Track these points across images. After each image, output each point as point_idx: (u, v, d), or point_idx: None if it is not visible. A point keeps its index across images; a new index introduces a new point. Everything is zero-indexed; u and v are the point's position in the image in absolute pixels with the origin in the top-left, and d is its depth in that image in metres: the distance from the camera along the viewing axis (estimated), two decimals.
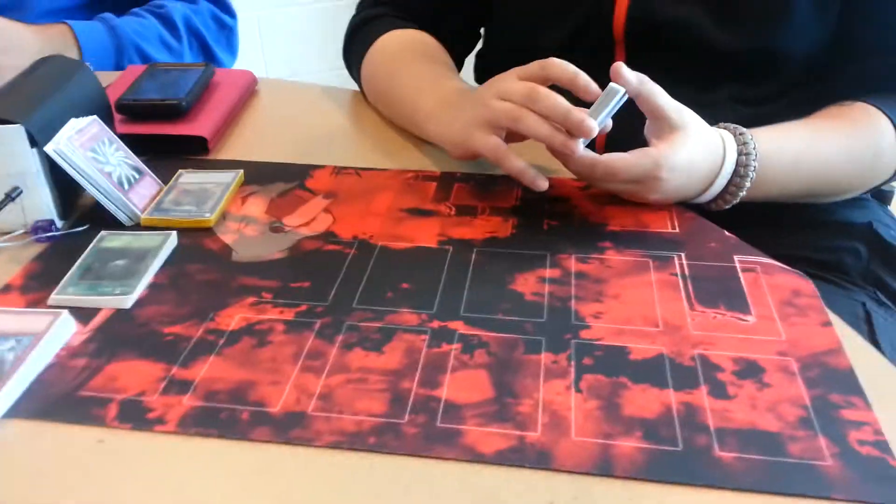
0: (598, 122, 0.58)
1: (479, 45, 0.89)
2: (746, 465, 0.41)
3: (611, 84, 0.58)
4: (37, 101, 0.61)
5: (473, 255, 0.59)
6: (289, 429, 0.44)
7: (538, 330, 0.51)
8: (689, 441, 0.43)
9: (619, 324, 0.51)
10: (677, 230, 0.61)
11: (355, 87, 0.86)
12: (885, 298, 0.72)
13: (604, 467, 0.41)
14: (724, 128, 0.64)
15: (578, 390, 0.46)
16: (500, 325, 0.51)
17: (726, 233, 0.61)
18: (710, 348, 0.49)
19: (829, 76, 0.71)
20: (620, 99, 0.58)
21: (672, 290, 0.55)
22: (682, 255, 0.58)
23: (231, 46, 1.15)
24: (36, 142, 0.59)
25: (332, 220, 0.64)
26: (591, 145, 0.60)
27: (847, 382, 0.46)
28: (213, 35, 1.10)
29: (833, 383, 0.46)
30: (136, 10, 1.04)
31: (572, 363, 0.48)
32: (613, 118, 0.60)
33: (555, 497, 0.40)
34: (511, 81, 0.61)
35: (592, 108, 0.58)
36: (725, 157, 0.61)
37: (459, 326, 0.51)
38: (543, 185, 0.60)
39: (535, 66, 0.60)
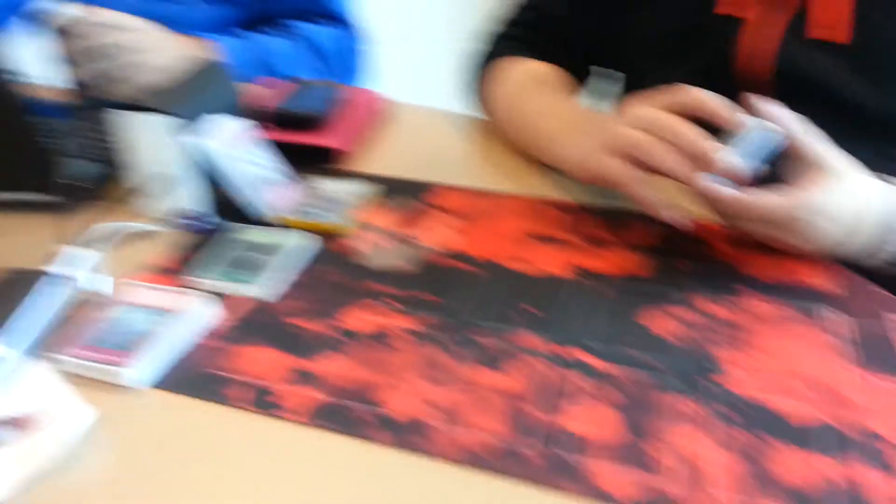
0: (730, 153, 0.54)
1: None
2: None
3: (751, 118, 0.55)
4: (193, 102, 0.65)
5: (603, 288, 0.57)
6: (409, 435, 0.43)
7: (669, 371, 0.48)
8: None
9: (761, 377, 0.48)
10: (830, 286, 0.57)
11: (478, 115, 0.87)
12: None
13: None
14: (878, 176, 0.59)
15: (717, 439, 0.43)
16: (630, 362, 0.49)
17: (878, 288, 0.57)
18: (873, 418, 0.45)
19: None
20: (768, 137, 0.55)
21: (822, 348, 0.51)
22: (832, 307, 0.54)
23: (366, 75, 1.18)
24: (190, 135, 0.62)
25: (463, 240, 0.64)
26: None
27: None
28: (351, 63, 1.14)
29: None
30: (280, 29, 1.09)
31: (709, 409, 0.45)
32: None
33: None
34: (643, 108, 0.58)
35: (732, 141, 0.55)
36: (875, 208, 0.56)
37: (586, 359, 0.50)
38: (675, 217, 0.57)
39: (666, 94, 0.58)
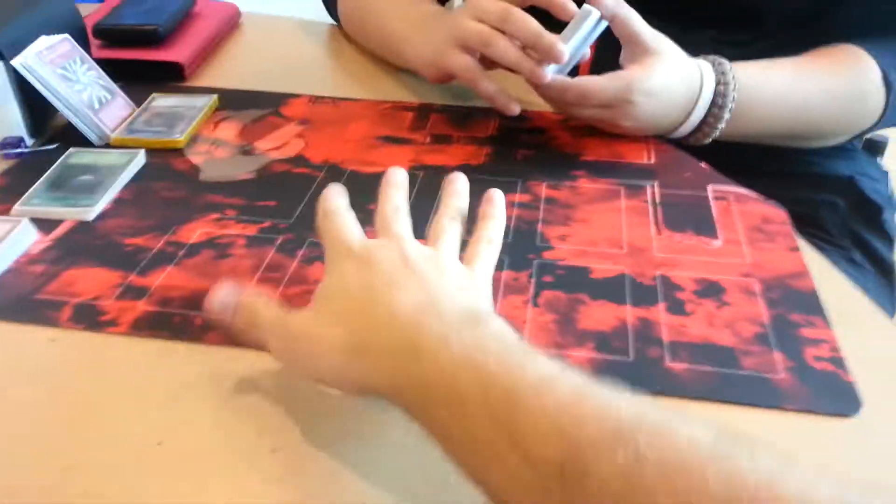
0: (570, 46, 0.56)
1: None
2: (697, 375, 0.41)
3: (584, 6, 0.57)
4: (7, 16, 0.60)
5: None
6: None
7: (502, 250, 0.50)
8: (641, 352, 0.42)
9: (583, 245, 0.51)
10: (653, 161, 0.61)
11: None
12: (860, 257, 0.71)
13: None
14: (704, 58, 0.62)
15: (536, 305, 0.46)
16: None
17: (703, 164, 0.60)
18: (672, 269, 0.49)
19: (814, 21, 0.69)
20: (596, 24, 0.57)
21: (641, 216, 0.54)
22: (655, 183, 0.58)
23: None
24: (3, 56, 0.58)
25: (304, 146, 0.63)
26: (573, 75, 0.59)
27: (809, 303, 0.46)
28: None
29: (795, 304, 0.46)
30: None
31: (532, 280, 0.48)
32: (602, 51, 0.58)
33: None
34: (488, 1, 0.59)
35: (564, 31, 0.57)
36: (703, 87, 0.60)
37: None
38: (515, 109, 0.59)
39: None
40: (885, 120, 0.67)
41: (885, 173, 0.79)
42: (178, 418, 0.38)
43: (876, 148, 0.86)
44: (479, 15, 0.59)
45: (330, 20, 0.86)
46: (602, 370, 0.41)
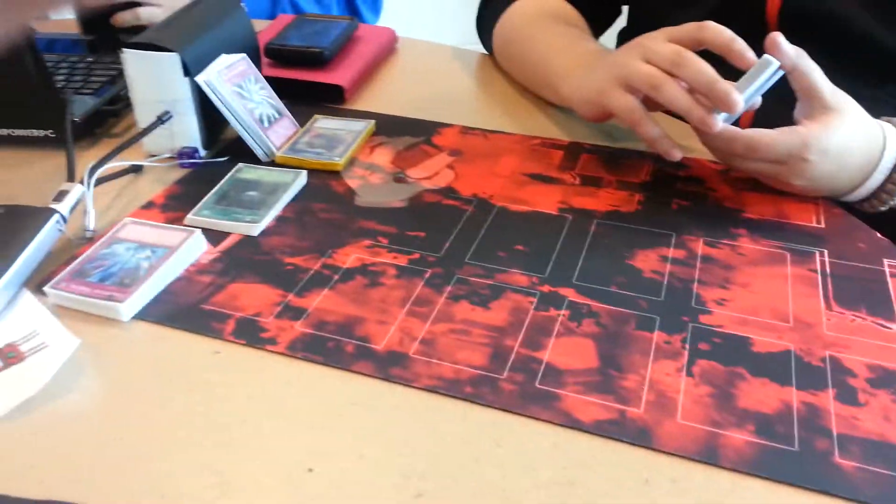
0: (745, 96, 0.54)
1: (623, 24, 0.86)
2: (869, 476, 0.37)
3: (764, 56, 0.54)
4: (193, 34, 0.64)
5: (593, 226, 0.57)
6: (390, 366, 0.44)
7: (653, 308, 0.49)
8: (807, 442, 0.39)
9: (744, 313, 0.48)
10: (822, 225, 0.57)
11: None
12: None
13: (708, 455, 0.39)
14: (888, 120, 0.58)
15: (690, 374, 0.44)
16: (612, 298, 0.50)
17: (877, 234, 0.56)
18: (843, 351, 0.45)
19: None
20: (773, 74, 0.54)
21: (808, 287, 0.51)
22: (825, 251, 0.54)
23: (376, 7, 1.17)
24: (189, 71, 0.62)
25: (455, 177, 0.64)
26: (736, 124, 0.57)
27: None
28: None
29: None
30: None
31: (687, 346, 0.46)
32: (764, 97, 0.56)
33: (651, 475, 0.38)
34: (658, 42, 0.57)
35: (741, 80, 0.54)
36: (885, 150, 0.56)
37: (570, 294, 0.50)
38: (678, 155, 0.57)
39: (689, 27, 0.56)
40: None
41: None
42: (327, 446, 0.39)
43: None
44: (649, 56, 0.57)
45: (482, 49, 0.87)
46: (763, 458, 0.39)
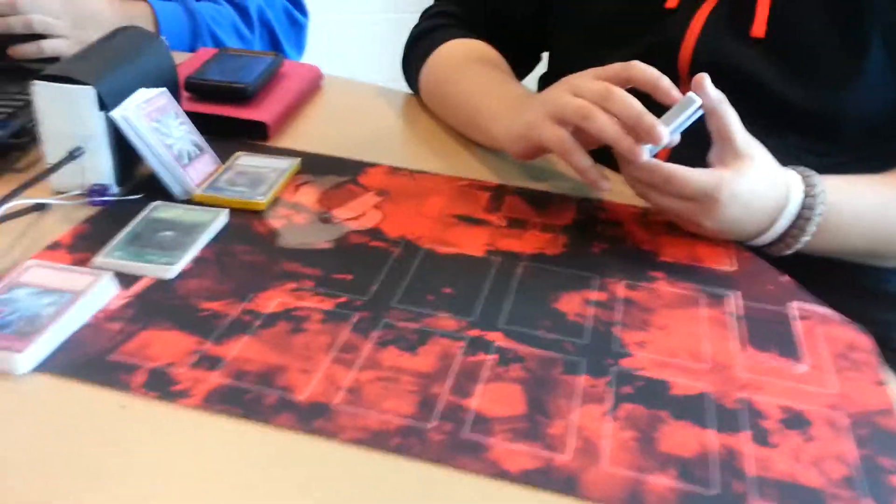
0: (669, 130, 0.56)
1: (543, 69, 0.88)
2: None
3: (688, 94, 0.56)
4: (110, 67, 0.62)
5: (520, 269, 0.58)
6: (313, 419, 0.43)
7: (579, 351, 0.49)
8: (726, 485, 0.40)
9: (663, 356, 0.50)
10: (734, 268, 0.59)
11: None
12: None
13: (633, 501, 0.39)
14: (794, 169, 0.61)
15: (615, 418, 0.44)
16: (539, 342, 0.50)
17: (785, 277, 0.59)
18: (756, 393, 0.47)
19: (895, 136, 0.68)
20: (695, 112, 0.57)
21: (722, 329, 0.52)
22: (738, 294, 0.56)
23: (300, 43, 1.16)
24: (105, 105, 0.59)
25: (382, 218, 0.63)
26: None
27: None
28: (284, 30, 1.12)
29: (883, 445, 0.43)
30: None
31: (611, 389, 0.46)
32: (683, 137, 0.58)
33: None
34: (587, 79, 0.59)
35: (665, 116, 0.57)
36: (790, 198, 0.59)
37: (498, 338, 0.50)
38: (606, 185, 0.58)
39: (616, 66, 0.59)
40: None
41: None
42: None
43: None
44: (579, 91, 0.59)
45: (406, 90, 0.87)
46: (685, 502, 0.39)
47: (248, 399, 0.44)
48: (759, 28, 0.67)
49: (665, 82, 0.57)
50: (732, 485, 0.40)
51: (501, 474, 0.40)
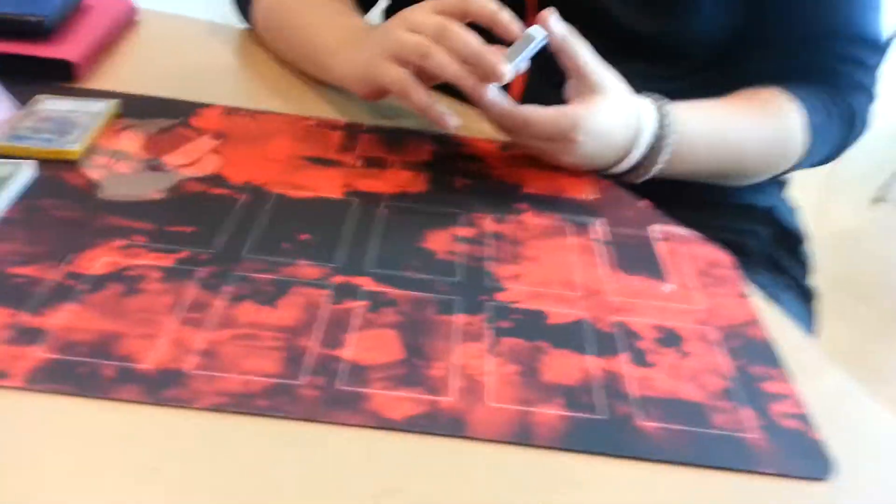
0: (512, 66, 0.54)
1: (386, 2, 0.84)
2: (670, 435, 0.39)
3: (533, 27, 0.55)
4: None
5: (382, 210, 0.54)
6: (162, 388, 0.37)
7: (452, 290, 0.47)
8: (612, 409, 0.40)
9: (537, 286, 0.48)
10: (596, 196, 0.59)
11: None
12: (782, 284, 0.73)
13: (522, 435, 0.38)
14: (647, 96, 0.62)
15: (496, 354, 0.42)
16: (410, 284, 0.47)
17: (643, 202, 0.59)
18: (629, 315, 0.47)
19: (738, 61, 0.71)
20: (539, 43, 0.55)
21: (590, 255, 0.52)
22: (602, 220, 0.56)
23: None
24: None
25: (222, 163, 0.57)
26: (507, 91, 0.57)
27: (766, 354, 0.45)
28: None
29: (753, 355, 0.45)
30: None
31: (489, 325, 0.44)
32: (536, 73, 0.56)
33: (470, 467, 0.36)
34: (424, 14, 0.56)
35: (509, 51, 0.55)
36: (643, 129, 0.59)
37: (366, 282, 0.46)
38: (452, 122, 0.56)
39: (453, 0, 0.56)
40: (801, 163, 0.70)
41: (796, 208, 0.82)
42: (93, 498, 0.31)
43: (783, 182, 0.90)
44: (414, 27, 0.55)
45: (237, 24, 0.79)
46: (574, 430, 0.38)
47: (82, 373, 0.37)
48: None
49: (504, 16, 0.55)
50: (617, 407, 0.40)
51: (384, 423, 0.37)
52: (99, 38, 0.69)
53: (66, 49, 0.65)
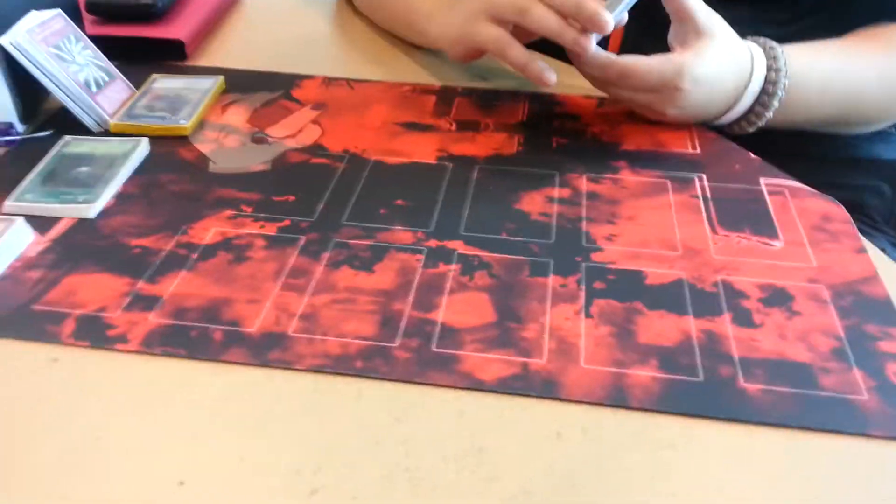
0: (615, 15, 0.52)
1: None
2: (774, 398, 0.37)
3: None
4: None
5: (475, 173, 0.54)
6: (267, 350, 0.39)
7: (545, 251, 0.46)
8: (711, 371, 0.38)
9: (634, 246, 0.47)
10: (698, 151, 0.56)
11: None
12: None
13: (616, 398, 0.37)
14: (754, 41, 0.58)
15: (589, 315, 0.42)
16: (503, 246, 0.47)
17: (751, 154, 0.56)
18: (733, 274, 0.45)
19: (850, 3, 0.65)
20: None
21: (692, 213, 0.50)
22: (704, 175, 0.53)
23: None
24: (6, 35, 0.52)
25: (321, 133, 0.58)
26: (604, 47, 0.55)
27: (884, 312, 0.42)
28: None
29: (868, 313, 0.42)
30: None
31: (582, 287, 0.44)
32: (636, 25, 0.54)
33: (562, 428, 0.36)
34: None
35: (608, 1, 0.52)
36: (753, 73, 0.56)
37: (459, 246, 0.47)
38: (551, 78, 0.54)
39: None
40: None
41: None
42: (201, 452, 0.34)
43: None
44: None
45: None
46: (671, 392, 0.37)
47: (193, 337, 0.40)
48: None
49: None
50: (718, 369, 0.38)
51: (477, 385, 0.37)
52: (206, 17, 0.72)
53: (176, 30, 0.68)
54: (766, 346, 0.40)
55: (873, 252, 0.47)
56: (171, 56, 0.67)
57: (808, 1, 0.65)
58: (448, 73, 0.66)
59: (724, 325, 0.41)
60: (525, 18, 0.53)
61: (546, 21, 0.52)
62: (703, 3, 0.54)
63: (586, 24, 0.51)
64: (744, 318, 0.41)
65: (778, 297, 0.43)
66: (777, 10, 0.65)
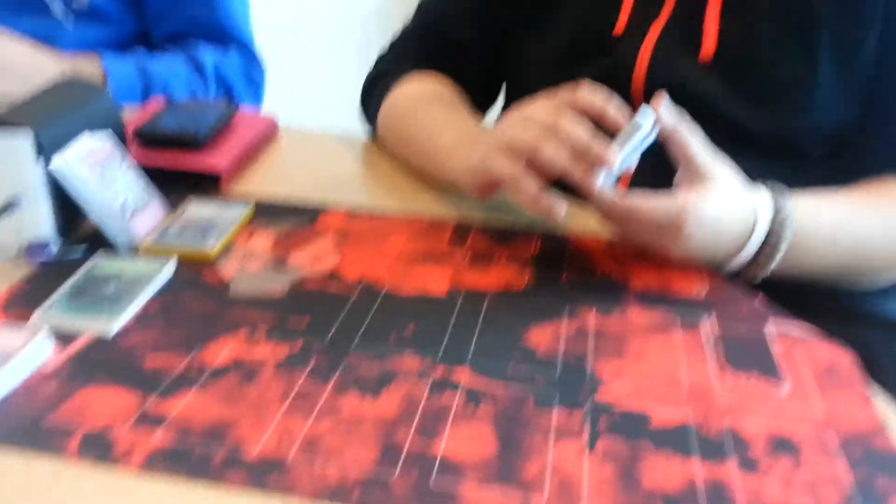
0: (621, 154, 0.54)
1: (501, 103, 0.88)
2: None
3: (640, 111, 0.55)
4: (50, 115, 0.59)
5: (485, 305, 0.55)
6: (266, 474, 0.39)
7: (550, 385, 0.47)
8: None
9: (640, 385, 0.47)
10: (706, 293, 0.57)
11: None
12: None
13: None
14: (762, 187, 0.59)
15: (592, 452, 0.41)
16: (509, 378, 0.47)
17: (760, 298, 0.57)
18: (740, 418, 0.44)
19: (858, 155, 0.68)
20: (649, 133, 0.55)
21: (699, 353, 0.50)
22: (712, 316, 0.54)
23: (257, 100, 1.14)
24: (43, 154, 0.57)
25: (340, 261, 0.61)
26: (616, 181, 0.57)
27: (893, 467, 0.41)
28: (241, 87, 1.10)
29: (878, 466, 0.41)
30: (167, 50, 1.04)
31: (587, 423, 0.43)
32: (646, 163, 0.56)
33: None
34: (535, 109, 0.58)
35: (617, 138, 0.55)
36: (758, 221, 0.57)
37: (465, 376, 0.47)
38: (561, 211, 0.56)
39: (563, 92, 0.57)
40: None
41: None
42: None
43: None
44: (525, 122, 0.57)
45: (362, 136, 0.85)
46: None
47: (194, 458, 0.40)
48: (708, 48, 0.66)
49: (612, 108, 0.56)
50: None
51: None
52: (244, 149, 0.77)
53: (215, 161, 0.73)
54: (772, 495, 0.39)
55: (882, 402, 0.46)
56: (208, 187, 0.71)
57: (817, 151, 0.67)
58: (466, 210, 0.69)
59: (730, 471, 0.40)
60: (537, 155, 0.55)
61: (557, 159, 0.55)
62: (707, 147, 0.57)
63: (594, 161, 0.54)
64: (749, 465, 0.41)
65: (784, 445, 0.42)
66: (785, 160, 0.67)
